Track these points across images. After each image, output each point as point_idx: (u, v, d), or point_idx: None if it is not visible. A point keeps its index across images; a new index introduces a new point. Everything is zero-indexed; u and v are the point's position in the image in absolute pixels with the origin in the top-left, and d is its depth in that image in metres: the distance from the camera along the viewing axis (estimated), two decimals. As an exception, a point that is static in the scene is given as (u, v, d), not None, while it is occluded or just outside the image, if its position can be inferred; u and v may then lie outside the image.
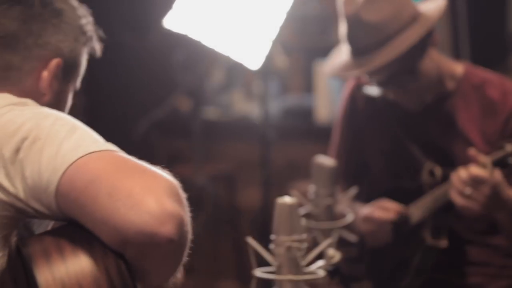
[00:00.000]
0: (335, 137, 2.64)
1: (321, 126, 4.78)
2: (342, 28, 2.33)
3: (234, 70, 5.40)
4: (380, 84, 2.34)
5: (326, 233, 2.13)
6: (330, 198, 2.15)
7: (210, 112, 4.96)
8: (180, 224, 1.26)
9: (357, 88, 2.53)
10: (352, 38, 2.29)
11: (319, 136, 4.79)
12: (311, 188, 2.17)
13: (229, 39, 3.12)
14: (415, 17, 2.27)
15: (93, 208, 1.27)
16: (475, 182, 2.17)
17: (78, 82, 1.67)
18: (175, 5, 3.06)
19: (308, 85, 5.13)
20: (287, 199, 1.75)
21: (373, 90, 2.40)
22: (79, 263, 1.29)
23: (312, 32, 5.28)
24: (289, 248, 1.71)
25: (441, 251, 2.34)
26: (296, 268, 1.72)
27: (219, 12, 3.14)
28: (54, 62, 1.57)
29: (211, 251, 4.51)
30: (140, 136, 4.69)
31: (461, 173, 2.20)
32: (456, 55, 3.95)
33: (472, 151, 2.22)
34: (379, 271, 2.49)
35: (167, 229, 1.24)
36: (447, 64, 2.42)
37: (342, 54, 2.38)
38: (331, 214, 2.15)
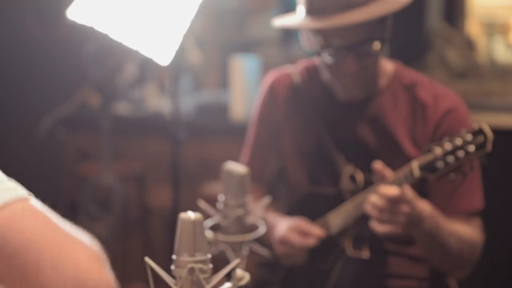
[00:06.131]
0: (250, 135, 2.46)
1: (237, 124, 4.62)
2: None
3: (148, 64, 5.20)
4: (340, 50, 2.14)
5: (236, 247, 1.95)
6: (240, 208, 1.96)
7: (121, 108, 4.75)
8: None
9: (278, 83, 2.38)
10: None
11: (234, 133, 4.64)
12: (220, 198, 1.98)
13: (138, 33, 2.93)
14: None
15: (32, 279, 1.09)
16: (391, 203, 2.01)
17: None
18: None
19: (223, 81, 4.96)
20: (190, 214, 1.55)
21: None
22: None
23: (229, 26, 5.11)
24: (191, 270, 1.53)
25: (362, 263, 2.19)
26: (200, 292, 1.54)
27: (128, 3, 2.94)
28: None
29: (120, 254, 4.30)
30: (46, 133, 4.44)
31: (373, 199, 2.03)
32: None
33: (377, 165, 2.06)
34: (294, 283, 2.32)
35: None
36: (381, 60, 2.27)
37: (295, 16, 2.20)
38: (242, 226, 1.96)
